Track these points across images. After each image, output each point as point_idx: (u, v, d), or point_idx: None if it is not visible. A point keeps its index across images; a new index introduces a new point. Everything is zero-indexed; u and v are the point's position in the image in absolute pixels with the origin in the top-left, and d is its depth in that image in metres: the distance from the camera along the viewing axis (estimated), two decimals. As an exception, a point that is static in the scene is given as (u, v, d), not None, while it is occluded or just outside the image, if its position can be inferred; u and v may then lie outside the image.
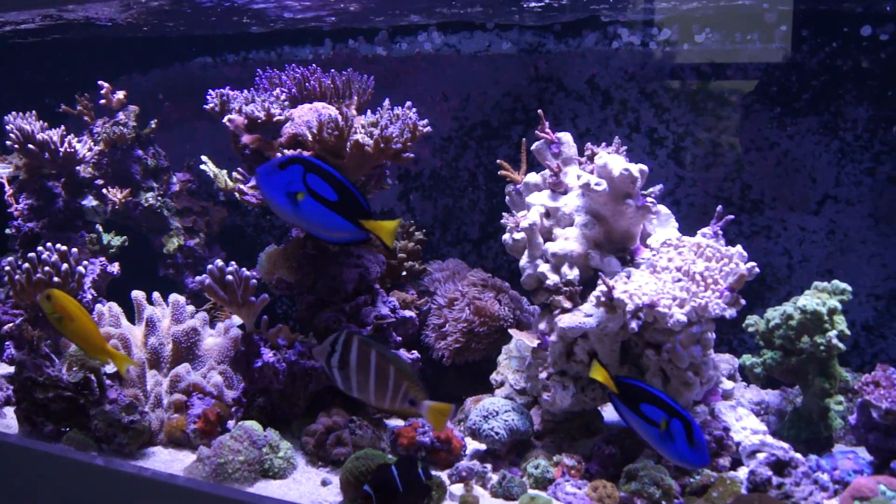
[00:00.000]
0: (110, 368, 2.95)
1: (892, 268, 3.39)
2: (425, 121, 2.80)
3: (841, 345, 2.80)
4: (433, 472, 2.61)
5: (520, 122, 3.96)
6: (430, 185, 4.19)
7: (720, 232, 2.80)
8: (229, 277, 2.87)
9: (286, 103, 3.01)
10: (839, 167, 3.43)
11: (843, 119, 3.41)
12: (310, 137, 2.77)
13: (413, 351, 3.09)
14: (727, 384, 3.10)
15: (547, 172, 2.95)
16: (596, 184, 2.67)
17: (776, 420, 3.01)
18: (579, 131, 3.78)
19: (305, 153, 2.81)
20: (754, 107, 3.56)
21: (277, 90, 3.03)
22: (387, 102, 2.86)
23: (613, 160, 2.68)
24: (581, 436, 2.87)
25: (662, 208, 2.91)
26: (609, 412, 3.03)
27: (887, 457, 2.55)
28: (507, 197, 3.11)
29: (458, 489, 2.58)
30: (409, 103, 2.82)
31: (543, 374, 2.83)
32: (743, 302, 2.61)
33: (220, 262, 2.91)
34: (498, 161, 3.10)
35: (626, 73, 3.75)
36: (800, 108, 3.48)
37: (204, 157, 3.95)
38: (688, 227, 2.89)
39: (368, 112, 2.91)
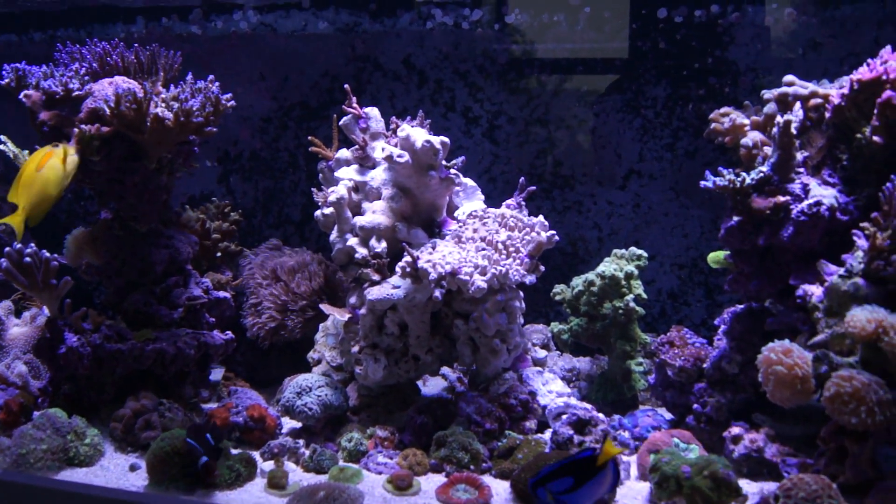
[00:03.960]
0: None
1: (693, 238, 3.58)
2: (229, 95, 2.75)
3: (639, 308, 2.94)
4: (245, 451, 2.58)
5: (338, 102, 3.91)
6: (250, 167, 4.12)
7: (523, 203, 2.88)
8: (27, 259, 2.76)
9: (86, 78, 2.89)
10: (642, 143, 3.60)
11: (644, 97, 3.57)
12: (108, 112, 2.67)
13: (227, 332, 3.03)
14: (540, 353, 3.20)
15: (356, 147, 2.97)
16: (398, 156, 2.70)
17: (587, 385, 3.13)
18: (397, 111, 3.79)
19: (105, 128, 2.72)
20: (563, 86, 3.69)
21: (77, 65, 2.92)
22: (190, 77, 2.80)
23: (415, 132, 2.72)
24: (398, 409, 2.89)
25: (469, 181, 2.97)
26: (429, 386, 3.06)
27: (683, 412, 2.69)
28: (319, 174, 3.11)
29: (270, 466, 2.56)
30: (211, 77, 2.76)
31: (355, 348, 2.84)
32: (542, 268, 2.70)
33: (18, 245, 2.79)
34: (309, 137, 3.09)
35: (440, 53, 3.81)
36: (604, 86, 3.63)
37: (3, 137, 3.73)
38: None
39: (172, 87, 2.84)
